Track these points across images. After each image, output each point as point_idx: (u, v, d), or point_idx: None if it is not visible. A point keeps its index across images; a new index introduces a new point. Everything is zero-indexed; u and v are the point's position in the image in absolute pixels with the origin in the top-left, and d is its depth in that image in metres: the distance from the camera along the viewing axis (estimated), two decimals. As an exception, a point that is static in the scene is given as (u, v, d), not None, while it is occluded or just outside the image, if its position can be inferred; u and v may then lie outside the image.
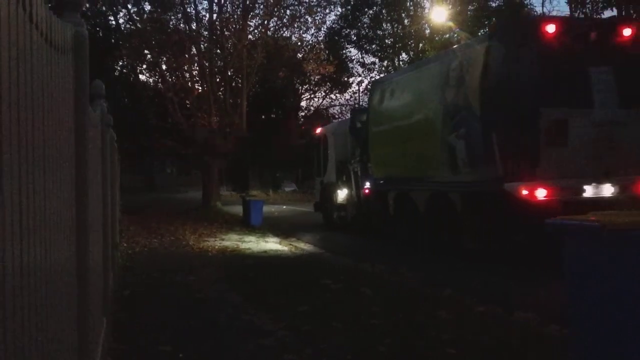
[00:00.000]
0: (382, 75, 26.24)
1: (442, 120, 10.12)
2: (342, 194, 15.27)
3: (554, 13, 32.51)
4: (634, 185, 8.93)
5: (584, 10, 19.65)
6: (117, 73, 25.60)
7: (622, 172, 8.85)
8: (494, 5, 25.19)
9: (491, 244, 9.56)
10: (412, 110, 11.20)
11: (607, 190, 8.86)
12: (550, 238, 3.69)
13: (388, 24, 29.17)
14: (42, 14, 1.74)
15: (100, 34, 24.71)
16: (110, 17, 23.11)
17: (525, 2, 24.01)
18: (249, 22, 20.96)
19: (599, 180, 8.80)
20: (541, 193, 8.51)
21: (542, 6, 30.25)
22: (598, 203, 8.13)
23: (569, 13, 20.94)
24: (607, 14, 19.50)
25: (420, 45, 26.01)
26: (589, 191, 8.80)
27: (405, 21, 27.76)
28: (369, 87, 21.11)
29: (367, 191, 13.70)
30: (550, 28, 8.69)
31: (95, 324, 3.18)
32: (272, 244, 12.13)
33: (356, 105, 31.42)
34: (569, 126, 8.64)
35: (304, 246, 12.03)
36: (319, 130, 17.93)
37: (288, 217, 18.01)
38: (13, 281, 1.33)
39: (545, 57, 8.61)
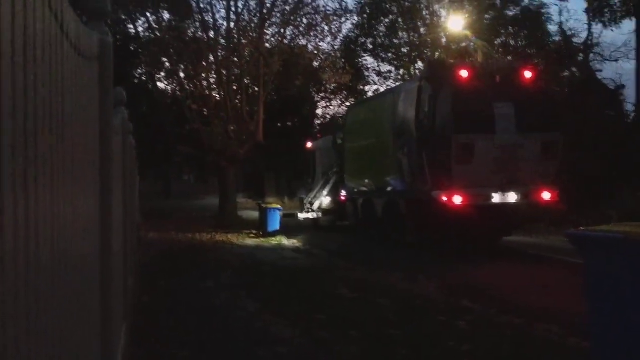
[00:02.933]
0: (397, 84, 26.24)
1: (392, 140, 12.75)
2: (325, 201, 17.76)
3: (571, 22, 32.24)
4: (534, 193, 11.42)
5: (602, 20, 19.48)
6: (135, 81, 25.87)
7: (523, 183, 11.24)
8: (510, 14, 25.05)
9: (424, 237, 11.90)
10: (374, 131, 13.91)
11: (512, 197, 11.31)
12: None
13: (404, 33, 29.14)
14: (72, 24, 1.78)
15: (120, 42, 25.01)
16: (129, 26, 23.39)
17: (542, 11, 23.83)
18: (265, 31, 21.08)
19: (504, 189, 11.17)
20: (457, 199, 10.90)
21: (560, 15, 30.05)
22: (504, 207, 11.48)
23: (587, 23, 20.81)
24: (626, 23, 19.33)
25: (437, 54, 25.95)
26: (496, 198, 11.22)
27: (422, 30, 27.72)
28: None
29: (343, 198, 16.34)
30: (464, 73, 11.14)
31: (116, 329, 3.21)
32: (287, 252, 12.15)
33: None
34: (475, 148, 11.01)
35: (317, 252, 12.04)
36: (309, 144, 20.51)
37: (303, 224, 18.09)
38: (44, 280, 1.35)
39: (458, 95, 10.96)
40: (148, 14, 20.94)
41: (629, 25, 19.36)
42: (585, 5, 19.88)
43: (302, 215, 17.67)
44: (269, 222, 15.64)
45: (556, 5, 22.06)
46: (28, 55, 1.20)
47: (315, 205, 17.83)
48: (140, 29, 22.69)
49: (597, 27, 20.40)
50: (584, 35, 21.14)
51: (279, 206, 16.61)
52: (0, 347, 0.97)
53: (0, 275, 0.98)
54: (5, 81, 1.02)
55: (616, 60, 20.77)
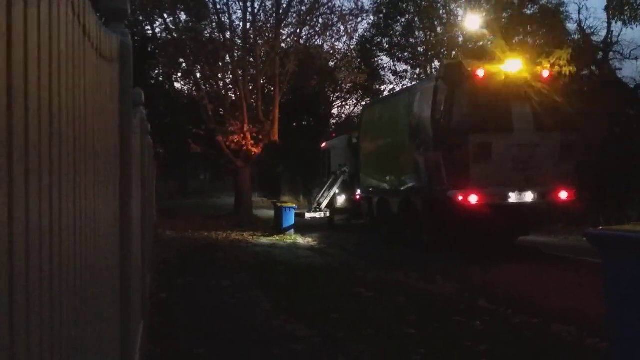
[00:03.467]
0: (414, 82, 26.14)
1: (409, 140, 12.70)
2: (340, 199, 18.13)
3: (590, 21, 31.81)
4: (551, 192, 11.28)
5: (622, 17, 19.20)
6: (153, 81, 26.09)
7: (540, 182, 11.11)
8: (529, 12, 24.80)
9: (440, 237, 11.80)
10: (389, 130, 13.89)
11: (529, 196, 11.17)
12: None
13: (421, 32, 29.02)
14: (93, 26, 1.81)
15: (137, 43, 25.25)
16: (147, 27, 23.60)
17: (561, 9, 23.56)
18: (281, 31, 21.14)
19: (521, 188, 11.05)
20: (473, 199, 10.83)
21: (579, 13, 29.70)
22: (521, 207, 11.31)
23: (606, 21, 20.50)
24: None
25: (454, 53, 25.79)
26: (513, 197, 11.10)
27: (438, 29, 27.57)
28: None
29: (358, 197, 16.45)
30: (480, 72, 11.12)
31: (135, 326, 3.26)
32: (302, 251, 12.18)
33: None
34: (492, 147, 10.97)
35: (332, 251, 12.05)
36: (324, 144, 20.62)
37: (317, 223, 18.14)
38: (66, 278, 1.38)
39: (474, 94, 10.97)
40: (165, 15, 21.12)
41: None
42: (604, 3, 19.61)
43: (309, 215, 17.56)
44: (284, 221, 15.73)
45: (575, 3, 21.77)
46: (52, 57, 1.23)
47: (324, 204, 17.83)
48: (157, 30, 22.91)
49: (616, 25, 20.06)
50: (604, 33, 20.87)
51: (294, 205, 16.68)
52: (22, 344, 1.00)
53: (25, 273, 1.00)
54: (31, 81, 1.04)
55: (636, 59, 20.47)
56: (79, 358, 1.56)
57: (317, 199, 17.91)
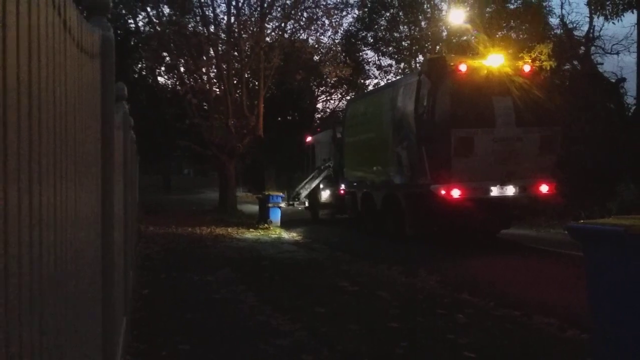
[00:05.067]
0: (398, 77, 26.23)
1: (392, 134, 12.76)
2: (324, 194, 18.21)
3: (573, 16, 32.10)
4: (532, 186, 11.44)
5: (603, 12, 19.40)
6: (136, 75, 25.85)
7: (521, 176, 11.23)
8: (512, 7, 24.97)
9: (424, 230, 11.96)
10: (373, 125, 13.93)
11: (510, 190, 11.31)
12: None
13: (405, 27, 29.05)
14: (74, 20, 1.79)
15: (120, 37, 24.98)
16: (129, 20, 23.35)
17: (544, 4, 23.75)
18: (266, 25, 21.06)
19: (503, 182, 11.18)
20: (456, 192, 10.94)
21: (561, 8, 29.95)
22: (503, 200, 11.44)
23: (588, 16, 20.71)
24: (628, 16, 19.26)
25: (438, 47, 25.88)
26: (495, 191, 11.23)
27: (422, 23, 27.62)
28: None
29: (342, 192, 16.42)
30: (463, 67, 11.16)
31: (117, 322, 3.24)
32: (287, 245, 12.18)
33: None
34: (474, 141, 11.04)
35: (317, 246, 12.08)
36: (309, 139, 20.57)
37: (302, 218, 18.17)
38: (47, 273, 1.37)
39: (456, 89, 11.04)
40: (148, 9, 20.92)
41: (630, 18, 19.29)
42: (586, -2, 19.78)
43: (285, 205, 17.24)
44: (269, 213, 15.89)
45: (557, -2, 21.87)
46: (32, 52, 1.21)
47: (302, 195, 18.00)
48: (140, 24, 22.68)
49: (598, 20, 20.27)
50: (586, 28, 21.08)
51: (280, 194, 16.89)
52: (3, 340, 0.99)
53: (3, 267, 0.99)
54: (10, 76, 1.03)
55: (617, 54, 20.70)
56: (60, 355, 1.55)
57: (297, 189, 18.06)
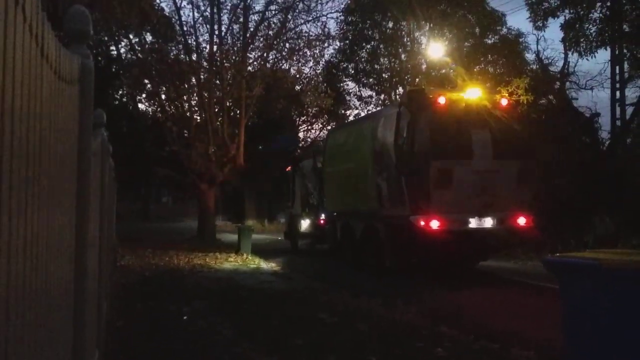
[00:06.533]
0: (378, 108, 26.53)
1: (372, 165, 12.78)
2: (305, 223, 18.11)
3: (548, 52, 33.03)
4: (509, 219, 11.50)
5: (578, 49, 19.98)
6: (116, 102, 25.75)
7: (499, 208, 11.32)
8: (489, 42, 25.59)
9: (402, 262, 11.93)
10: (353, 155, 13.98)
11: (488, 222, 11.35)
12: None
13: (385, 59, 29.52)
14: (52, 48, 1.78)
15: (102, 63, 24.96)
16: (111, 47, 23.34)
17: (520, 39, 24.39)
18: (248, 54, 21.22)
19: (481, 214, 11.26)
20: (435, 224, 10.92)
21: (537, 44, 30.74)
22: (481, 233, 11.30)
23: (563, 52, 21.29)
24: (601, 53, 19.86)
25: (417, 79, 26.32)
26: (473, 223, 11.27)
27: (403, 56, 28.11)
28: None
29: (322, 221, 16.50)
30: (442, 100, 11.27)
31: (89, 356, 3.15)
32: (266, 275, 12.05)
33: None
34: (453, 173, 11.08)
35: (296, 276, 11.98)
36: (289, 168, 20.45)
37: (282, 248, 18.05)
38: (14, 303, 1.33)
39: (435, 122, 11.13)
40: (131, 36, 20.95)
41: (604, 55, 19.98)
42: (561, 35, 20.37)
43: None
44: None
45: (534, 34, 22.44)
46: (6, 79, 1.20)
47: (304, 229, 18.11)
48: (122, 51, 22.67)
49: (573, 57, 20.85)
50: (561, 64, 21.65)
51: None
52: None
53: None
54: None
55: (591, 89, 21.23)
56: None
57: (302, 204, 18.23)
